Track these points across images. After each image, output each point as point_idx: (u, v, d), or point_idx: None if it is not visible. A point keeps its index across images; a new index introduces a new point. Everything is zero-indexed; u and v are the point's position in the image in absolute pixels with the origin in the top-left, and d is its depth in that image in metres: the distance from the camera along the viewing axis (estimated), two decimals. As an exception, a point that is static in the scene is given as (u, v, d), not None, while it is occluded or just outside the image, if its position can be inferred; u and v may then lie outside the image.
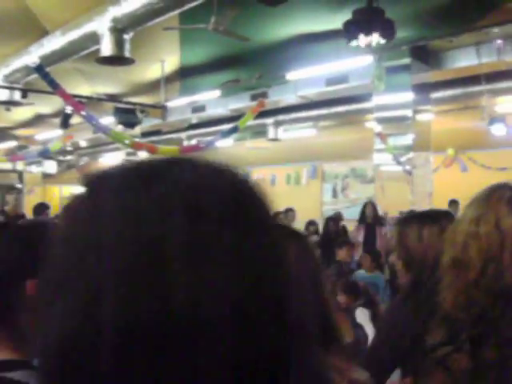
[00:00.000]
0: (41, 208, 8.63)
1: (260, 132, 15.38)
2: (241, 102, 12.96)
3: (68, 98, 9.42)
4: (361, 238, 8.91)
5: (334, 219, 10.91)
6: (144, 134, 16.06)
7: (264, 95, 12.28)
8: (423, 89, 10.55)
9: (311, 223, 11.83)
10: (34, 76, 9.48)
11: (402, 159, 10.21)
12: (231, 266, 0.53)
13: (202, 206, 0.55)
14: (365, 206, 9.34)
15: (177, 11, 6.93)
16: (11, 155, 19.32)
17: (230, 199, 0.59)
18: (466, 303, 1.26)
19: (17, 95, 10.46)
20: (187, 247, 0.52)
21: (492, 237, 1.26)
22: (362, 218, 9.18)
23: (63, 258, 0.56)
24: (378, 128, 10.45)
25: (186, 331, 0.50)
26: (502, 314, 1.21)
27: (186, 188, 0.57)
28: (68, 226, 0.58)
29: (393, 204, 10.16)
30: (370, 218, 9.04)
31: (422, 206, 10.17)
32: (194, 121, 15.50)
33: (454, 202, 10.63)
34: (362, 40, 6.22)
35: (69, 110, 11.10)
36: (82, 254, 0.53)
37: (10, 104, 10.89)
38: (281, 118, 14.18)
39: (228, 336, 0.51)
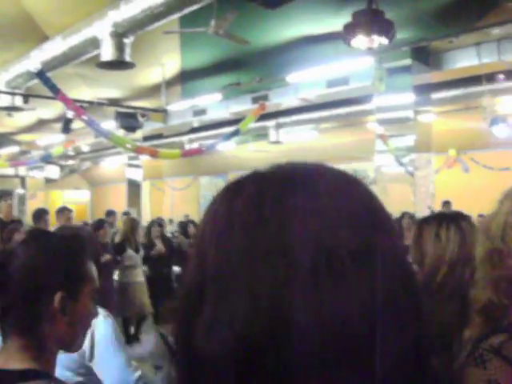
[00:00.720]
0: (40, 213, 8.61)
1: (261, 135, 15.38)
2: (242, 105, 12.97)
3: (69, 102, 9.43)
4: None
5: None
6: (145, 138, 16.09)
7: (265, 98, 12.28)
8: (424, 90, 10.54)
9: None
10: (36, 81, 9.50)
11: (404, 160, 10.20)
12: (393, 272, 0.57)
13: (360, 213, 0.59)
14: None
15: (177, 15, 6.95)
16: (13, 161, 19.36)
17: (376, 207, 0.63)
18: (510, 288, 1.28)
19: (18, 101, 10.49)
20: (359, 254, 0.54)
21: None
22: None
23: (241, 260, 0.56)
24: (379, 129, 10.44)
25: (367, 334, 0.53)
26: None
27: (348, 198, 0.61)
28: (247, 228, 0.58)
29: (395, 205, 10.14)
30: None
31: (424, 206, 10.18)
32: (196, 124, 15.51)
33: (446, 203, 10.65)
34: (363, 42, 6.22)
35: (70, 114, 11.13)
36: (268, 256, 0.54)
37: (11, 109, 10.92)
38: (282, 120, 14.19)
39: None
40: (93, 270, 1.42)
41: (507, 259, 1.30)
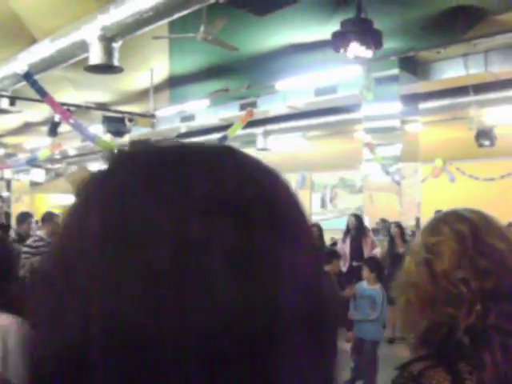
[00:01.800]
0: (24, 217, 8.57)
1: (249, 142, 15.39)
2: (230, 112, 12.98)
3: (56, 106, 9.38)
4: (347, 249, 8.88)
5: (317, 225, 10.91)
6: (133, 143, 16.01)
7: (253, 105, 12.30)
8: (411, 99, 10.61)
9: None
10: (23, 84, 9.44)
11: (391, 169, 10.24)
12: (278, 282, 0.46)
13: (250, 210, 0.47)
14: (348, 219, 9.33)
15: (166, 20, 6.93)
16: (-1, 163, 19.24)
17: (281, 203, 0.52)
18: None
19: (5, 103, 10.42)
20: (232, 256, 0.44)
21: None
22: (348, 230, 9.17)
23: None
24: (366, 138, 10.48)
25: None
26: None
27: (232, 186, 0.48)
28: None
29: (381, 214, 10.19)
30: (354, 230, 9.03)
31: (410, 215, 10.22)
32: (183, 130, 15.50)
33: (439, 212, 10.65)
34: (351, 50, 6.25)
35: (57, 118, 11.07)
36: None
37: (-3, 112, 10.85)
38: (270, 127, 14.21)
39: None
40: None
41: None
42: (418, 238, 1.38)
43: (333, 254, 6.79)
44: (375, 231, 10.13)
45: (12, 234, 9.19)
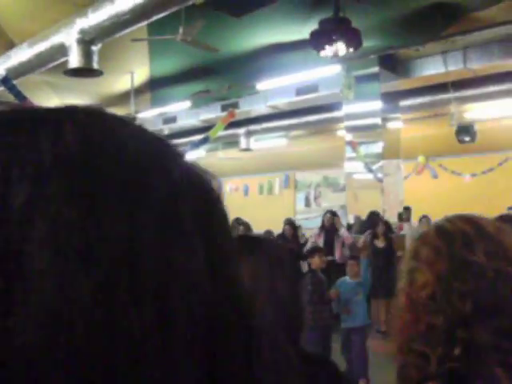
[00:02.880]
0: None
1: (232, 142, 15.40)
2: (212, 113, 12.97)
3: (36, 110, 9.31)
4: (321, 243, 9.07)
5: (291, 224, 10.96)
6: (115, 146, 15.97)
7: (235, 105, 12.30)
8: (392, 97, 10.67)
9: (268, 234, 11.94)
10: (1, 88, 9.37)
11: (374, 167, 10.28)
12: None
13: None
14: (324, 216, 9.52)
15: (144, 22, 6.91)
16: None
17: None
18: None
19: (-16, 108, 10.33)
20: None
21: None
22: (323, 226, 9.39)
23: None
24: (348, 136, 10.52)
25: None
26: None
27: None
28: None
29: (365, 211, 10.23)
30: (329, 227, 9.24)
31: (394, 212, 10.27)
32: (166, 132, 15.45)
33: (424, 217, 10.65)
34: (329, 49, 6.27)
35: (37, 122, 11.00)
36: None
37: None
38: (252, 127, 14.21)
39: None
40: None
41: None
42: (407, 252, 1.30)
43: (314, 249, 6.82)
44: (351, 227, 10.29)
45: None
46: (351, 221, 10.85)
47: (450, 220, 1.25)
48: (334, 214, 9.51)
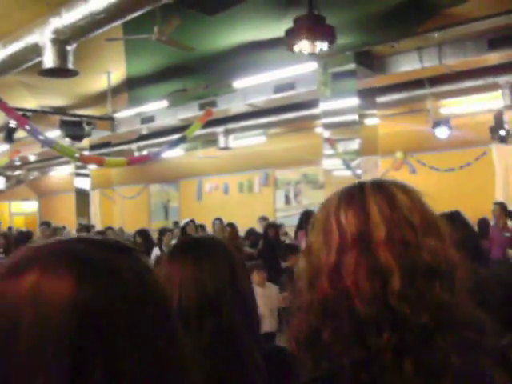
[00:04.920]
0: None
1: (211, 141, 15.38)
2: (190, 112, 12.94)
3: (10, 111, 9.23)
4: (303, 243, 9.09)
5: (274, 226, 10.98)
6: (93, 147, 15.88)
7: (213, 104, 12.29)
8: (369, 93, 10.72)
9: (251, 233, 12.01)
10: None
11: (352, 164, 10.33)
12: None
13: None
14: (309, 216, 9.49)
15: (119, 22, 6.87)
16: (-44, 172, 18.86)
17: None
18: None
19: (-42, 110, 10.20)
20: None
21: None
22: (303, 225, 9.40)
23: None
24: (326, 134, 10.55)
25: None
26: None
27: None
28: None
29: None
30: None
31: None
32: (144, 131, 15.40)
33: None
34: (305, 47, 6.28)
35: (13, 123, 10.90)
36: None
37: (-49, 119, 10.63)
38: (231, 126, 14.21)
39: None
40: None
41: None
42: None
43: (290, 249, 6.79)
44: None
45: None
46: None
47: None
48: (312, 212, 9.58)
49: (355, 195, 1.19)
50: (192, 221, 11.54)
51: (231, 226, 10.59)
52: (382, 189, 1.18)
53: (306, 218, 9.50)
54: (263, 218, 12.05)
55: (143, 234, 11.10)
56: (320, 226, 1.18)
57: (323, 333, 1.06)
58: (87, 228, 9.73)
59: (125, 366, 0.62)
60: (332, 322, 1.07)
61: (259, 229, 12.19)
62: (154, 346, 0.68)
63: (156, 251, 10.22)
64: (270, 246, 10.05)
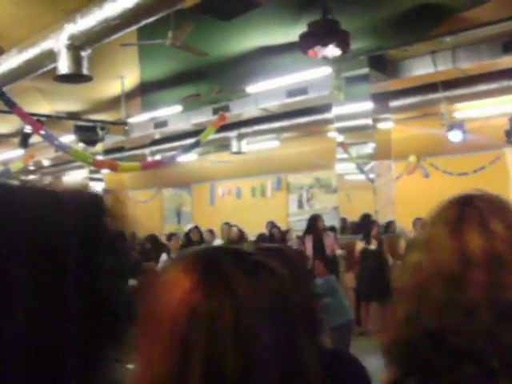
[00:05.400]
0: None
1: (223, 145, 15.40)
2: (203, 117, 12.97)
3: (25, 116, 9.29)
4: (310, 247, 9.12)
5: (278, 227, 11.00)
6: (107, 151, 15.95)
7: (226, 109, 12.30)
8: (382, 98, 10.70)
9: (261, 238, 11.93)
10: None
11: (365, 168, 10.31)
12: None
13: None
14: (316, 220, 9.53)
15: (133, 27, 6.91)
16: (-29, 177, 18.97)
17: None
18: None
19: (-26, 115, 10.30)
20: None
21: None
22: (310, 229, 9.40)
23: None
24: (339, 138, 10.54)
25: None
26: None
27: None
28: None
29: (358, 212, 10.25)
30: (321, 230, 9.39)
31: (386, 213, 10.30)
32: (157, 136, 15.44)
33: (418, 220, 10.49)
34: (318, 52, 6.29)
35: (28, 129, 10.97)
36: None
37: (-33, 125, 10.71)
38: (243, 130, 14.22)
39: None
40: None
41: None
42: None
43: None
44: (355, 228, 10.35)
45: None
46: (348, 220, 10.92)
47: None
48: (319, 217, 9.66)
49: (468, 213, 1.17)
50: (196, 227, 11.33)
51: (238, 228, 10.53)
52: (495, 205, 1.17)
53: (314, 222, 9.51)
54: (271, 223, 11.97)
55: (152, 239, 11.18)
56: (435, 242, 1.16)
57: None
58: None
59: None
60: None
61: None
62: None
63: (164, 257, 10.26)
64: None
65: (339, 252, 9.30)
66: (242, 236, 10.26)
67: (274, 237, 10.60)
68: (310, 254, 8.98)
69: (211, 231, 12.59)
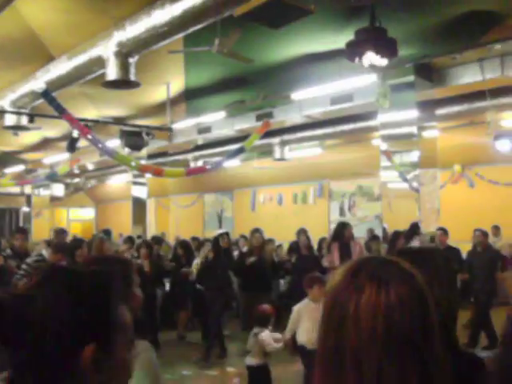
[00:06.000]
0: (62, 233, 9.17)
1: (266, 152, 15.42)
2: (246, 123, 13.02)
3: (74, 122, 9.48)
4: (336, 255, 9.05)
5: (304, 233, 10.90)
6: (150, 156, 16.15)
7: (269, 115, 12.33)
8: (428, 106, 10.56)
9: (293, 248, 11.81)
10: (41, 100, 9.56)
11: (409, 176, 10.19)
12: None
13: None
14: (344, 227, 9.46)
15: (181, 35, 6.99)
16: (19, 179, 19.44)
17: None
18: None
19: (24, 120, 10.53)
20: None
21: None
22: (338, 237, 9.32)
23: None
24: (383, 146, 10.45)
25: None
26: None
27: None
28: None
29: (400, 221, 10.15)
30: (348, 237, 9.37)
31: (430, 222, 10.17)
32: (200, 142, 15.57)
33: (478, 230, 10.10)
34: (366, 60, 6.25)
35: (75, 133, 11.17)
36: None
37: (17, 129, 10.95)
38: (286, 137, 14.22)
39: None
40: (125, 313, 1.19)
41: None
42: None
43: (315, 279, 6.45)
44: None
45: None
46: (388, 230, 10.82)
47: None
48: (346, 224, 9.62)
49: None
50: (226, 233, 11.09)
51: (258, 231, 10.32)
52: None
53: (341, 229, 9.43)
54: (301, 231, 11.61)
55: (184, 245, 11.24)
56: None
57: None
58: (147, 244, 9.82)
59: None
60: None
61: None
62: None
63: (196, 262, 10.32)
64: (302, 259, 10.09)
65: None
66: (263, 240, 10.16)
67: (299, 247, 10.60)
68: (337, 261, 8.90)
69: (244, 237, 12.55)
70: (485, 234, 9.89)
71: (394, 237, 9.62)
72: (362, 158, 14.86)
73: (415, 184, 10.20)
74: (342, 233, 9.37)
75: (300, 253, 10.50)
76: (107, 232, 13.53)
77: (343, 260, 8.67)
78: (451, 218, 11.27)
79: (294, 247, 10.73)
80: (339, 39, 7.61)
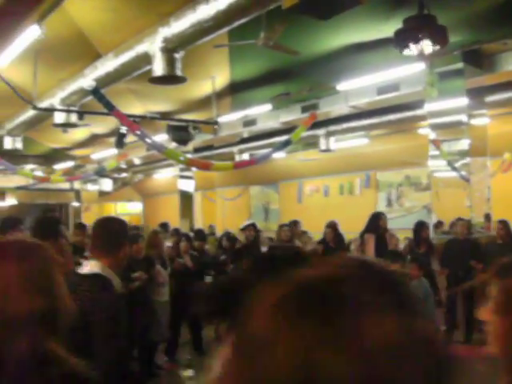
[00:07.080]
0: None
1: (312, 143, 15.35)
2: (292, 115, 12.98)
3: (124, 118, 9.60)
4: (371, 246, 8.90)
5: (331, 226, 10.73)
6: (196, 150, 16.27)
7: (315, 107, 12.26)
8: (477, 93, 10.33)
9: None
10: (90, 98, 9.71)
11: (457, 165, 10.02)
12: None
13: None
14: (379, 218, 9.29)
15: (226, 29, 6.99)
16: (69, 175, 19.84)
17: None
18: None
19: (73, 117, 10.73)
20: None
21: None
22: (373, 228, 9.15)
23: None
24: (432, 135, 10.28)
25: None
26: None
27: None
28: None
29: (449, 211, 10.00)
30: (384, 228, 9.20)
31: (480, 211, 9.98)
32: (246, 135, 15.59)
33: None
34: (415, 48, 6.14)
35: (124, 129, 11.31)
36: None
37: (67, 126, 11.16)
38: (332, 128, 14.11)
39: None
40: None
41: None
42: None
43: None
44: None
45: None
46: (434, 220, 10.67)
47: None
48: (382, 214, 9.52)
49: None
50: (253, 224, 10.62)
51: (288, 229, 10.20)
52: None
53: (376, 220, 9.25)
54: (330, 223, 11.27)
55: (230, 237, 11.13)
56: None
57: None
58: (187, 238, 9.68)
59: None
60: None
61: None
62: None
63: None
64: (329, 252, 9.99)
65: None
66: (292, 237, 10.06)
67: (325, 238, 10.52)
68: (372, 253, 8.74)
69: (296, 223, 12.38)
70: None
71: (419, 227, 9.50)
72: (408, 147, 14.65)
73: (464, 173, 10.01)
74: (376, 223, 9.19)
75: (328, 245, 10.36)
76: (164, 225, 13.65)
77: (378, 252, 8.55)
78: (503, 207, 11.02)
79: (322, 240, 10.63)
80: (385, 28, 7.51)
